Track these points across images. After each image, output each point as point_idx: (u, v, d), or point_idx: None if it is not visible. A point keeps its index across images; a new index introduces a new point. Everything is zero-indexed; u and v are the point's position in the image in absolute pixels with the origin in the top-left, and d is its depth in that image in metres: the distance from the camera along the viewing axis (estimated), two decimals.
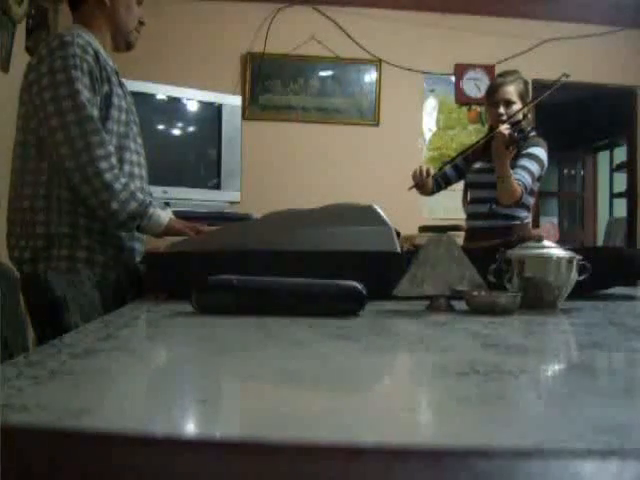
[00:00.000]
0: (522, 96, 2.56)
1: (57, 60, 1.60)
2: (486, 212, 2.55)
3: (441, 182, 2.72)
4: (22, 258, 1.65)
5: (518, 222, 2.55)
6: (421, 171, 2.51)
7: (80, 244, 1.65)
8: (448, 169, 2.72)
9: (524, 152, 2.48)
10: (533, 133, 2.57)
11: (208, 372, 0.65)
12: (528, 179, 2.43)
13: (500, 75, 2.65)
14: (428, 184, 2.59)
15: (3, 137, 2.57)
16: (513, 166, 2.43)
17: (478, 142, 2.54)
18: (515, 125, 2.41)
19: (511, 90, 2.53)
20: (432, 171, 2.54)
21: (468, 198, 2.70)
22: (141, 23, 1.83)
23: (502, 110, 2.51)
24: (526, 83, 2.63)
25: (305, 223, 1.45)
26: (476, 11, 4.33)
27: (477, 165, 2.61)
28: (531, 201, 2.59)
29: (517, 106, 2.52)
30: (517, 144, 2.32)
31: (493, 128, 2.53)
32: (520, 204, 2.49)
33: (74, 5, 1.79)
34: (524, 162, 2.46)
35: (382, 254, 1.41)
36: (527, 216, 2.60)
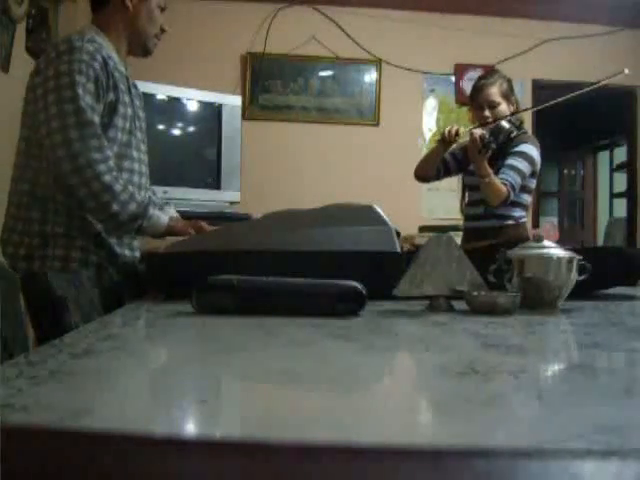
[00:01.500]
0: (506, 96, 2.53)
1: (63, 64, 1.61)
2: (481, 213, 2.55)
3: (441, 168, 2.67)
4: (16, 254, 1.65)
5: (512, 222, 2.52)
6: (450, 131, 2.47)
7: (75, 244, 1.65)
8: (449, 157, 2.67)
9: (512, 150, 2.45)
10: (523, 130, 2.55)
11: (208, 372, 0.65)
12: (516, 178, 2.40)
13: (481, 77, 2.63)
14: (452, 144, 2.53)
15: (3, 137, 2.57)
16: (501, 165, 2.42)
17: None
18: (487, 125, 2.40)
19: (494, 92, 2.50)
20: (462, 130, 2.48)
21: (465, 200, 2.69)
22: (162, 30, 1.83)
23: (487, 113, 2.50)
24: (509, 81, 2.59)
25: (305, 223, 1.45)
26: (476, 11, 4.33)
27: (471, 167, 2.58)
28: (527, 199, 2.56)
29: (502, 106, 2.50)
30: (487, 148, 2.31)
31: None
32: (514, 203, 2.47)
33: (95, 6, 1.79)
34: (511, 161, 2.43)
35: (382, 254, 1.41)
36: (522, 215, 2.56)
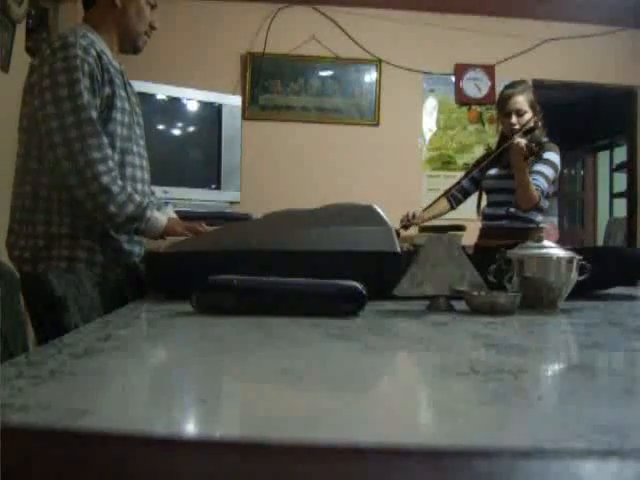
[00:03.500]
0: (532, 105, 2.64)
1: (58, 61, 1.60)
2: (503, 214, 2.66)
3: (460, 196, 2.84)
4: (22, 257, 1.65)
5: (533, 225, 2.62)
6: (407, 215, 2.60)
7: (80, 244, 1.65)
8: (465, 182, 2.83)
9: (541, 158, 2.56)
10: (546, 139, 2.66)
11: (208, 372, 0.65)
12: (545, 184, 2.52)
13: (509, 86, 2.73)
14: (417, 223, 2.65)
15: (3, 137, 2.57)
16: (529, 172, 2.51)
17: (491, 154, 2.60)
18: (528, 133, 2.51)
19: (521, 100, 2.62)
20: (417, 214, 2.61)
21: (485, 202, 2.80)
22: (152, 27, 1.82)
23: (514, 120, 2.60)
24: (534, 92, 2.72)
25: (305, 223, 1.45)
26: (476, 11, 4.33)
27: (493, 171, 2.71)
28: (546, 204, 2.67)
29: (528, 115, 2.61)
30: (535, 155, 2.39)
31: (505, 136, 2.63)
32: (539, 208, 2.58)
33: (86, 4, 1.79)
34: (540, 167, 2.54)
35: (382, 254, 1.41)
36: (543, 220, 2.68)
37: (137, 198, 1.64)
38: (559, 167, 2.62)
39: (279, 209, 1.59)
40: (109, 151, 1.62)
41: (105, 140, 1.61)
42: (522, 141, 2.42)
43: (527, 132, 2.53)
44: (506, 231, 2.62)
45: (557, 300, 1.24)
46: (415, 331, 1.02)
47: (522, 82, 2.73)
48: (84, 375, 0.61)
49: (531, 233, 2.52)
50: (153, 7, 1.82)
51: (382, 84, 4.35)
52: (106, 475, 0.35)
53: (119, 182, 1.61)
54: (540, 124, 2.66)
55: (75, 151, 1.58)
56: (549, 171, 2.55)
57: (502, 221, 2.67)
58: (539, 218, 2.66)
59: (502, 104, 2.68)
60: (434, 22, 4.33)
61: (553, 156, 2.59)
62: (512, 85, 2.72)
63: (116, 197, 1.60)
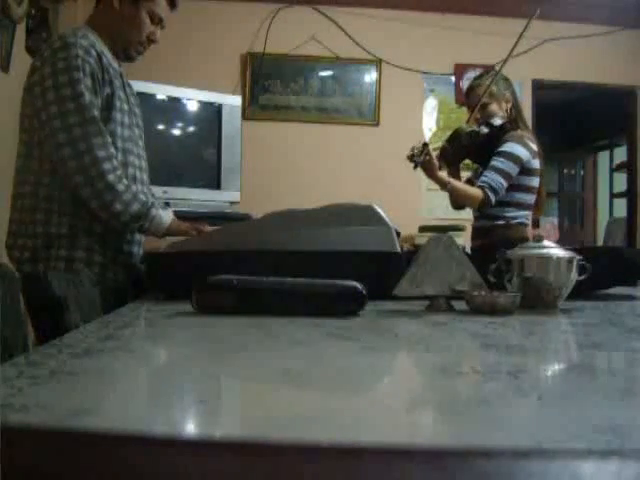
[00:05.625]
0: (494, 94, 2.52)
1: (60, 61, 1.60)
2: (476, 213, 2.60)
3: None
4: (22, 258, 1.65)
5: (502, 222, 2.51)
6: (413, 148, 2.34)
7: (79, 244, 1.65)
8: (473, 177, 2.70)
9: (496, 151, 2.44)
10: (510, 128, 2.50)
11: (208, 372, 0.65)
12: (495, 178, 2.38)
13: (475, 78, 2.67)
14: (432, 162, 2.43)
15: (3, 137, 2.57)
16: (485, 167, 2.44)
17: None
18: (488, 127, 2.44)
19: (480, 92, 2.50)
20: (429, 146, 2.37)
21: None
22: (151, 41, 1.80)
23: (477, 114, 2.51)
24: (505, 80, 2.59)
25: (305, 223, 1.45)
26: (476, 11, 4.33)
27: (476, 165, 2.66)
28: (524, 198, 2.53)
29: (493, 106, 2.52)
30: (416, 163, 2.27)
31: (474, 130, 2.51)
32: (506, 202, 2.46)
33: (96, 4, 1.79)
34: (493, 162, 2.42)
35: (382, 254, 1.41)
36: (517, 215, 2.53)
37: (142, 197, 1.64)
38: (523, 156, 2.43)
39: (279, 209, 1.59)
40: (113, 150, 1.62)
41: (109, 139, 1.62)
42: (420, 143, 2.31)
43: (488, 125, 2.45)
44: (477, 232, 2.59)
45: (557, 300, 1.24)
46: (415, 331, 1.02)
47: (486, 73, 2.62)
48: (84, 375, 0.61)
49: (499, 230, 2.46)
50: (158, 23, 1.79)
51: (382, 84, 4.35)
52: (106, 475, 0.35)
53: (124, 181, 1.62)
54: (508, 113, 2.54)
55: (80, 150, 1.58)
56: (505, 164, 2.39)
57: (475, 221, 2.63)
58: (510, 213, 2.51)
59: (466, 98, 2.61)
60: (434, 22, 4.33)
61: (510, 146, 2.44)
62: (477, 77, 2.65)
63: (122, 195, 1.60)
